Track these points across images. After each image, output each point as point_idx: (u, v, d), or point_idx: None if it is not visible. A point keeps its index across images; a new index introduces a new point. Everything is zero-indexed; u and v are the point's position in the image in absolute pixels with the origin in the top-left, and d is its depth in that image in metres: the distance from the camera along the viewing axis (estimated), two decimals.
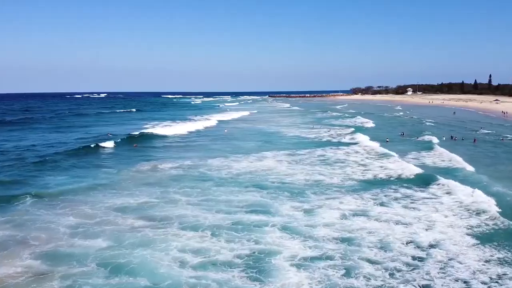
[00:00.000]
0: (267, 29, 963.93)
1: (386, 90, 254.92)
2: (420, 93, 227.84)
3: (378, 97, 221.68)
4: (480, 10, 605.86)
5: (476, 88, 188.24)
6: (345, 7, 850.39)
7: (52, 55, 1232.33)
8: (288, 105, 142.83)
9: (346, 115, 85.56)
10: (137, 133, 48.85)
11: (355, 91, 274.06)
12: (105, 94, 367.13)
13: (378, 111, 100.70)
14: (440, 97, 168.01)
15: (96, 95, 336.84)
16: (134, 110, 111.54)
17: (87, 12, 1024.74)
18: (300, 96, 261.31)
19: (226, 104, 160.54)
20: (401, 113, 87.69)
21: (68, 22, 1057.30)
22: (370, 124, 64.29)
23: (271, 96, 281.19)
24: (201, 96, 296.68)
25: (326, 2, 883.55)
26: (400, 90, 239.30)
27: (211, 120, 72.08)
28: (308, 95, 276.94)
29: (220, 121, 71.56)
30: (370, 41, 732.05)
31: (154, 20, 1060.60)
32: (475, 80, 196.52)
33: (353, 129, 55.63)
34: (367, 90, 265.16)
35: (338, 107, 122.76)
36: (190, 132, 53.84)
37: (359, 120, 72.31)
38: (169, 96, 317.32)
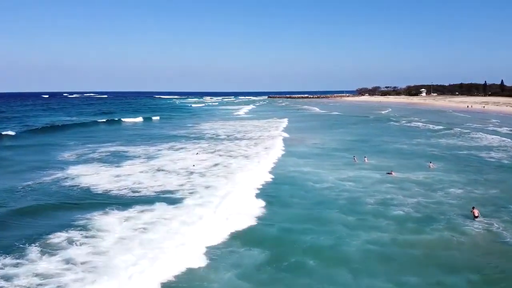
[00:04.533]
0: (267, 28, 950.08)
1: (395, 91, 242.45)
2: (435, 94, 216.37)
3: (391, 99, 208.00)
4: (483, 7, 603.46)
5: (503, 90, 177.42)
6: (345, 7, 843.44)
7: (51, 55, 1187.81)
8: (316, 109, 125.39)
9: (434, 127, 60.05)
10: None
11: (361, 91, 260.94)
12: (92, 94, 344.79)
13: (452, 121, 73.11)
14: (469, 100, 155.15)
15: (95, 95, 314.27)
16: (103, 120, 78.39)
17: (86, 12, 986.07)
18: (302, 97, 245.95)
19: (241, 108, 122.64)
20: (491, 125, 62.83)
21: (67, 22, 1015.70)
22: None
23: (270, 97, 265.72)
24: (201, 97, 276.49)
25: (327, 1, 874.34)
26: (413, 91, 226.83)
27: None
28: (311, 96, 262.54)
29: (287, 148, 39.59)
30: (372, 40, 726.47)
31: (152, 20, 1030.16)
32: (502, 81, 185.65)
33: None
34: (374, 91, 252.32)
35: (383, 112, 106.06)
36: None
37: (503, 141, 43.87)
38: (163, 96, 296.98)
